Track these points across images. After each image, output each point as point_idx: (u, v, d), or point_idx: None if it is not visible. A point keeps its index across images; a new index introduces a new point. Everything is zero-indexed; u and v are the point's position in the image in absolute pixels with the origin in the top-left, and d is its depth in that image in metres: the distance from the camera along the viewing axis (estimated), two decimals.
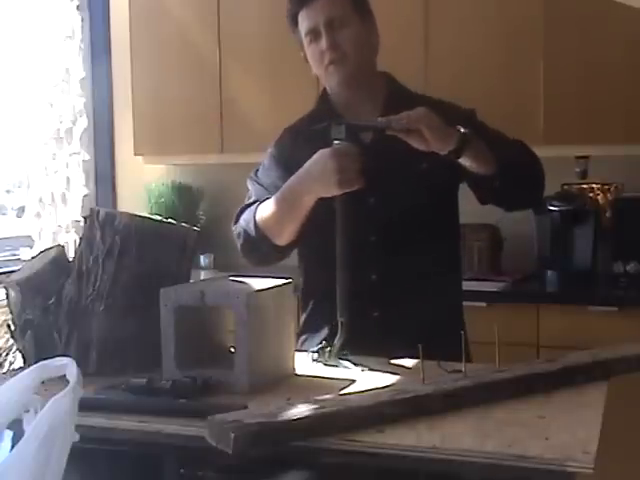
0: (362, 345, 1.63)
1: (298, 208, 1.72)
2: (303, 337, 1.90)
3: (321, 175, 1.64)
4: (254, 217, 1.79)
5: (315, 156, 1.66)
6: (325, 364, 1.62)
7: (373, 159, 1.71)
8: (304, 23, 1.82)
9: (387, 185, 1.78)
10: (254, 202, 1.84)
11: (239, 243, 1.86)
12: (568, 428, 1.18)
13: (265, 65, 3.65)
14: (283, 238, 1.78)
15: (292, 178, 1.72)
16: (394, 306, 1.79)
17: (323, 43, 1.78)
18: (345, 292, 1.64)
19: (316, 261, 1.85)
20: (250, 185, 1.93)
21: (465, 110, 1.85)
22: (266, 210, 1.77)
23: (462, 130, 1.61)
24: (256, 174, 1.94)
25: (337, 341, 1.63)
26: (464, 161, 1.64)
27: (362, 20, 1.83)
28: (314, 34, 1.80)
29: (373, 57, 1.88)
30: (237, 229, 1.86)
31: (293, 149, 1.88)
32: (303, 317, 1.93)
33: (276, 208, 1.75)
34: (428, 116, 1.59)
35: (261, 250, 1.82)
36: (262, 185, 1.89)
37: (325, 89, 1.91)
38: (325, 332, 1.81)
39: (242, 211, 1.87)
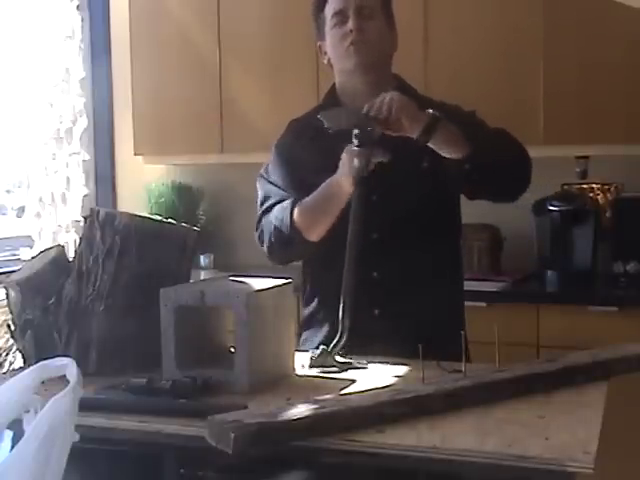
0: (362, 343, 1.63)
1: (337, 199, 1.73)
2: (304, 336, 1.91)
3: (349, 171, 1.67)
4: (290, 213, 1.80)
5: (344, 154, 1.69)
6: (323, 368, 1.61)
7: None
8: (333, 4, 1.84)
9: (389, 183, 1.78)
10: (277, 202, 1.85)
11: (267, 241, 1.86)
12: (568, 428, 1.19)
13: (265, 65, 3.65)
14: (316, 233, 1.79)
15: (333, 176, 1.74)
16: (395, 304, 1.80)
17: (350, 25, 1.80)
18: (350, 290, 1.65)
19: (323, 259, 1.85)
20: (260, 185, 1.94)
21: (467, 112, 1.86)
22: (306, 205, 1.79)
23: (431, 112, 1.63)
24: (267, 172, 1.94)
25: (337, 342, 1.63)
26: (434, 144, 1.64)
27: (387, 22, 1.87)
28: (341, 17, 1.82)
29: (389, 59, 1.90)
30: (264, 228, 1.87)
31: (296, 144, 1.90)
32: (306, 315, 1.93)
33: (316, 202, 1.77)
34: (400, 100, 1.61)
35: (292, 246, 1.83)
36: (275, 184, 1.90)
37: (334, 85, 1.91)
38: (326, 330, 1.82)
39: (264, 213, 1.88)
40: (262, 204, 1.90)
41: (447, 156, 1.67)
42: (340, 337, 1.63)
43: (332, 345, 1.63)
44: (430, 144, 1.64)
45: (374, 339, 1.71)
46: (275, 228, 1.83)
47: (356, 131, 1.65)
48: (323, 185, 1.76)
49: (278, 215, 1.83)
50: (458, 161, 1.66)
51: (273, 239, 1.84)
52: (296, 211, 1.79)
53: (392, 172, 1.76)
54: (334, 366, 1.60)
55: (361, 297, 1.69)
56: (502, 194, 1.85)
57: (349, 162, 1.66)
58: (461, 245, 1.99)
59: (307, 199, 1.79)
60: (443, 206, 1.87)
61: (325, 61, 1.91)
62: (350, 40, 1.80)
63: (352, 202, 1.67)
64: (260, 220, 1.88)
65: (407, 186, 1.80)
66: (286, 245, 1.83)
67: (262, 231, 1.87)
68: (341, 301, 1.64)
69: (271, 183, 1.91)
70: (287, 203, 1.82)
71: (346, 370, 1.58)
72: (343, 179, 1.69)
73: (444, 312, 1.81)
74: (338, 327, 1.64)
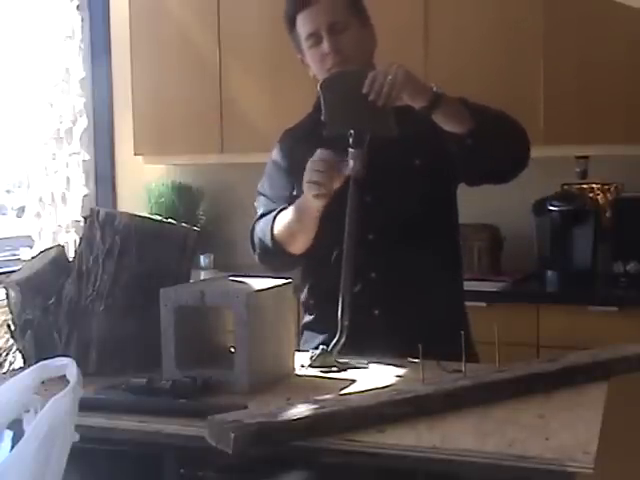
0: (363, 343, 1.63)
1: (307, 216, 1.74)
2: (305, 336, 1.91)
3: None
4: (271, 228, 1.82)
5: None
6: (323, 368, 1.61)
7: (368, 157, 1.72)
8: (305, 26, 1.82)
9: (382, 184, 1.78)
10: (265, 214, 1.87)
11: (256, 253, 1.90)
12: (568, 428, 1.18)
13: (265, 65, 3.65)
14: (297, 247, 1.81)
15: None
16: (394, 304, 1.79)
17: (325, 47, 1.79)
18: (348, 290, 1.65)
19: (321, 260, 1.85)
20: (257, 202, 1.96)
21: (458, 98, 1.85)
22: (282, 220, 1.81)
23: (435, 89, 1.63)
24: (261, 185, 1.97)
25: (336, 342, 1.63)
26: (437, 118, 1.64)
27: (361, 23, 1.85)
28: (315, 38, 1.80)
29: (371, 59, 1.88)
30: (253, 239, 1.90)
31: (295, 153, 1.89)
32: (308, 317, 1.93)
33: (290, 218, 1.78)
34: (402, 77, 1.59)
35: (277, 259, 1.86)
36: (267, 196, 1.93)
37: None
38: (326, 331, 1.81)
39: (255, 224, 1.90)
40: (255, 215, 1.93)
41: (450, 130, 1.66)
42: (339, 337, 1.63)
43: (332, 345, 1.63)
44: (433, 117, 1.63)
45: (374, 339, 1.71)
46: (260, 240, 1.86)
47: (351, 132, 1.65)
48: (297, 200, 1.77)
49: (262, 228, 1.86)
50: (460, 136, 1.65)
51: (259, 251, 1.88)
52: (275, 224, 1.81)
53: (385, 172, 1.77)
54: (334, 366, 1.60)
55: (361, 297, 1.70)
56: (502, 172, 1.81)
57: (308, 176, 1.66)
58: (460, 244, 1.99)
59: (283, 214, 1.81)
60: (438, 204, 1.86)
61: (311, 75, 1.89)
62: (330, 63, 1.79)
63: (347, 203, 1.66)
64: (252, 230, 1.91)
65: (401, 185, 1.79)
66: (271, 257, 1.86)
67: (252, 241, 1.90)
68: (339, 301, 1.64)
69: (264, 195, 1.94)
70: (271, 216, 1.85)
71: (346, 370, 1.58)
72: (308, 195, 1.69)
73: (444, 311, 1.81)
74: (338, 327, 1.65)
